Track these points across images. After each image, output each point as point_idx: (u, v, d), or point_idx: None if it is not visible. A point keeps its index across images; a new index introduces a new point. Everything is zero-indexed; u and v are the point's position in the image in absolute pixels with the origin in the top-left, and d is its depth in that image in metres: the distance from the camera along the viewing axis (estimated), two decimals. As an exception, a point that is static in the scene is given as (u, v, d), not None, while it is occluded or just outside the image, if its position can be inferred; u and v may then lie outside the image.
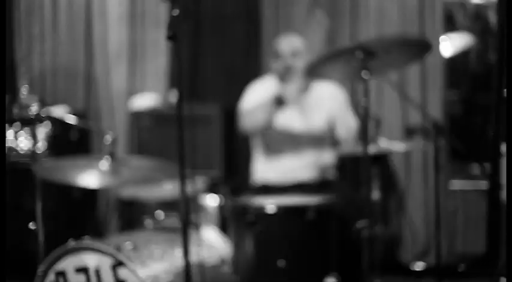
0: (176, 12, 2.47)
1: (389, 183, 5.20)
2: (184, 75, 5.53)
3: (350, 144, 4.13)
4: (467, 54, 7.16)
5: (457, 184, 5.35)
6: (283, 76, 4.11)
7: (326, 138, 4.24)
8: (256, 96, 4.27)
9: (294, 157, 4.22)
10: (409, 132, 5.14)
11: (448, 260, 5.06)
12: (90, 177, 3.24)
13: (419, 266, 5.21)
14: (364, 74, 3.12)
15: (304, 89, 4.24)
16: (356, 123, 4.18)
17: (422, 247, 5.22)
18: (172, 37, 2.45)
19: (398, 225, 5.26)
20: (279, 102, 3.99)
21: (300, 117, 4.24)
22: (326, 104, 4.25)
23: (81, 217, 5.56)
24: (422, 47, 3.59)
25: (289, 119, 4.21)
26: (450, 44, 6.34)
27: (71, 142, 5.42)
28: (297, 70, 4.09)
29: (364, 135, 3.14)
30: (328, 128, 4.22)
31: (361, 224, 3.04)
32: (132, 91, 5.69)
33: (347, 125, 4.17)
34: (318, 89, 4.30)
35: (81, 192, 5.38)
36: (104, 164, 3.24)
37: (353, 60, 3.15)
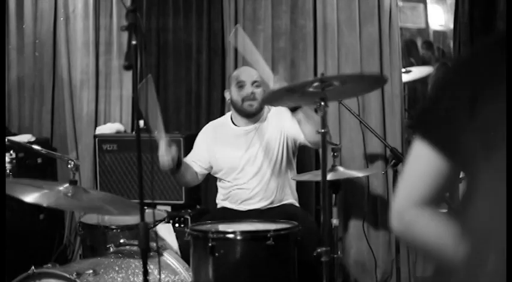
0: (134, 41, 2.50)
1: (349, 209, 5.27)
2: (144, 105, 5.62)
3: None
4: (426, 82, 7.29)
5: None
6: (245, 103, 4.33)
7: (284, 164, 4.34)
8: (194, 158, 4.52)
9: (252, 184, 4.32)
10: (369, 159, 5.21)
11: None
12: (49, 198, 3.26)
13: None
14: (321, 104, 3.18)
15: (260, 116, 4.44)
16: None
17: (383, 272, 5.28)
18: (128, 67, 2.48)
19: (360, 250, 5.32)
20: (178, 165, 4.16)
21: (251, 147, 4.40)
22: (274, 123, 4.38)
23: (48, 240, 5.58)
24: (378, 81, 3.68)
25: (237, 155, 4.40)
26: (410, 75, 6.46)
27: (37, 166, 5.46)
28: (259, 100, 4.34)
29: (323, 162, 3.20)
30: (283, 144, 4.33)
31: (321, 250, 3.08)
32: (97, 117, 5.75)
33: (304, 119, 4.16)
34: (269, 110, 4.48)
35: (47, 216, 5.41)
36: (66, 188, 3.27)
37: (309, 92, 3.21)
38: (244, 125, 4.42)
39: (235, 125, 4.46)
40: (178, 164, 4.13)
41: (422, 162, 1.64)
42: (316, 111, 3.19)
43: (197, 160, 4.48)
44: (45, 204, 3.21)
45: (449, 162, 1.61)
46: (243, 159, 4.35)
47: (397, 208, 1.67)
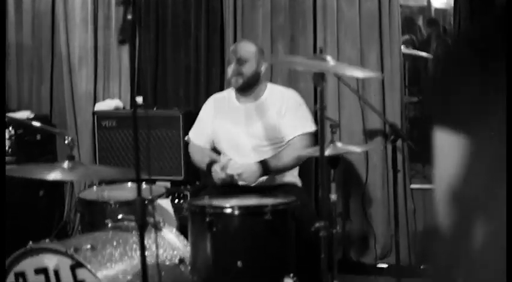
0: (130, 16, 2.48)
1: (349, 185, 5.28)
2: (145, 80, 5.63)
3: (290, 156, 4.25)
4: (425, 59, 7.28)
5: (417, 183, 5.43)
6: (232, 79, 4.36)
7: (283, 142, 4.34)
8: (199, 132, 4.58)
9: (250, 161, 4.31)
10: (369, 135, 5.21)
11: (408, 259, 5.13)
12: (50, 173, 3.28)
13: (379, 265, 5.28)
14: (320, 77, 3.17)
15: (259, 93, 4.40)
16: (303, 133, 4.30)
17: (382, 247, 5.29)
18: (122, 41, 2.47)
19: (359, 225, 5.33)
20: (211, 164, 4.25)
21: (251, 124, 4.38)
22: (277, 104, 4.36)
23: (48, 216, 5.60)
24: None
25: (237, 130, 4.40)
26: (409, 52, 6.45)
27: (36, 143, 5.46)
28: (245, 76, 4.31)
29: (321, 137, 3.19)
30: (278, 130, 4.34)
31: (319, 224, 3.07)
32: (95, 93, 5.74)
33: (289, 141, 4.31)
34: (271, 92, 4.43)
35: (47, 192, 5.42)
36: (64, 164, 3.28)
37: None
38: (245, 101, 4.41)
39: (237, 100, 4.45)
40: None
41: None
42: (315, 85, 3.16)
43: (202, 135, 4.51)
44: (45, 177, 3.22)
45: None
46: (242, 134, 4.34)
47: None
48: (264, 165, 4.14)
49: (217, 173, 4.17)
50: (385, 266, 5.26)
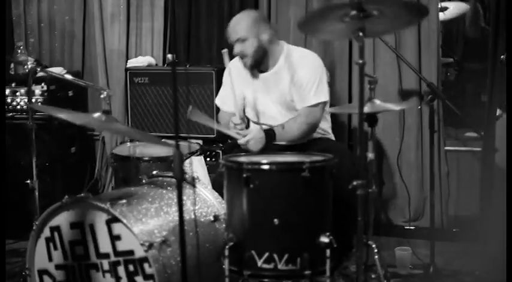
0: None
1: (384, 144, 5.22)
2: (178, 37, 5.58)
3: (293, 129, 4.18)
4: (461, 20, 7.14)
5: (450, 146, 5.36)
6: (242, 61, 4.30)
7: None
8: (224, 98, 4.52)
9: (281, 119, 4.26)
10: (404, 95, 5.14)
11: (441, 222, 5.08)
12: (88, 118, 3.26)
13: (411, 227, 5.23)
14: (359, 33, 3.09)
15: (275, 60, 4.31)
16: (315, 105, 4.22)
17: (415, 209, 5.24)
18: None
19: (392, 186, 5.28)
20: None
21: (270, 93, 4.32)
22: (291, 72, 4.27)
23: (79, 173, 5.61)
24: (419, 12, 3.56)
25: (258, 97, 4.36)
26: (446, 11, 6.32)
27: (68, 99, 5.45)
28: (249, 55, 4.23)
29: (360, 94, 3.11)
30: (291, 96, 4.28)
31: (357, 183, 3.02)
32: (128, 50, 5.71)
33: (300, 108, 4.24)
34: (288, 56, 4.33)
35: (78, 149, 5.41)
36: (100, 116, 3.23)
37: (347, 19, 3.11)
38: (262, 69, 4.33)
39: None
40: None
41: None
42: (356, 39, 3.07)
43: (228, 100, 4.44)
44: (77, 122, 3.21)
45: None
46: (263, 102, 4.29)
47: None
48: (271, 133, 4.10)
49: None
50: (417, 227, 5.20)
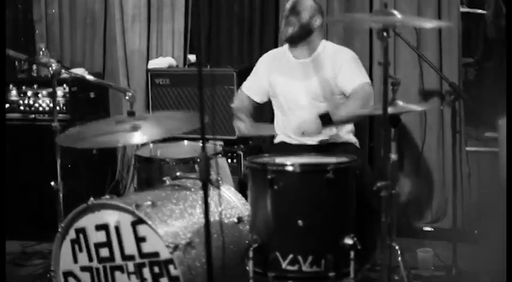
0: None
1: (405, 145, 5.20)
2: (198, 37, 5.60)
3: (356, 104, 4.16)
4: (481, 20, 7.12)
5: (471, 146, 5.34)
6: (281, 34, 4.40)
7: (337, 96, 4.28)
8: (253, 84, 4.56)
9: (308, 116, 4.25)
10: (425, 95, 5.13)
11: (463, 223, 5.06)
12: (113, 137, 3.25)
13: (433, 229, 5.22)
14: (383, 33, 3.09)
15: (313, 49, 4.36)
16: (363, 83, 4.23)
17: (436, 210, 5.22)
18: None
19: (414, 187, 5.26)
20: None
21: (307, 79, 4.31)
22: (330, 60, 4.30)
23: (101, 175, 5.62)
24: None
25: (294, 85, 4.35)
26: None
27: (89, 100, 5.47)
28: (296, 26, 4.30)
29: (384, 95, 3.11)
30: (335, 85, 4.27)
31: (381, 184, 3.01)
32: (148, 51, 5.72)
33: (352, 80, 4.23)
34: (325, 48, 4.38)
35: (100, 151, 5.43)
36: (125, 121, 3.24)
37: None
38: (300, 57, 4.35)
39: (293, 56, 4.39)
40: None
41: None
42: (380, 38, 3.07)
43: (257, 87, 4.49)
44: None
45: None
46: (300, 89, 4.29)
47: None
48: (326, 116, 4.12)
49: (239, 128, 4.36)
50: (439, 229, 5.18)
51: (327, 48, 4.38)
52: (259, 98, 4.51)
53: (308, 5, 4.33)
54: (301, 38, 4.33)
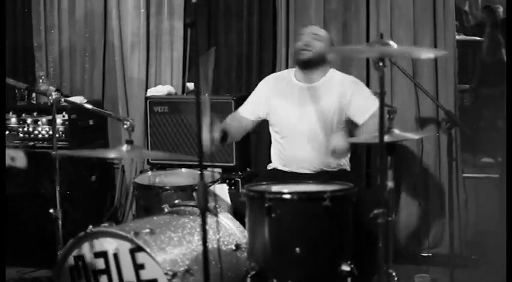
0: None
1: (402, 172, 5.23)
2: (197, 66, 5.63)
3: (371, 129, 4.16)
4: (478, 47, 7.19)
5: (468, 173, 5.36)
6: (299, 53, 4.34)
7: (337, 124, 4.30)
8: (249, 102, 4.55)
9: (305, 144, 4.27)
10: (421, 123, 5.16)
11: (460, 249, 5.07)
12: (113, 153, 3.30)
13: (430, 255, 5.22)
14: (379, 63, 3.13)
15: (315, 78, 4.38)
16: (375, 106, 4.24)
17: (433, 236, 5.24)
18: (191, 24, 2.45)
19: (410, 214, 5.28)
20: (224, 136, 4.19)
21: (311, 103, 4.33)
22: (337, 89, 4.32)
23: (99, 202, 5.64)
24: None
25: (293, 111, 4.34)
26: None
27: (88, 128, 5.50)
28: (314, 51, 4.31)
29: (381, 123, 3.14)
30: (338, 113, 4.28)
31: (377, 211, 3.04)
32: (147, 79, 5.76)
33: (367, 108, 4.21)
34: (332, 76, 4.40)
35: (98, 178, 5.45)
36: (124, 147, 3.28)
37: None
38: (303, 82, 4.37)
39: (296, 79, 4.42)
40: (223, 138, 4.16)
41: None
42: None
43: (255, 107, 4.47)
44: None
45: None
46: (296, 115, 4.30)
47: None
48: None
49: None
50: (436, 255, 5.19)
51: (334, 77, 4.40)
52: (249, 114, 4.46)
53: (325, 35, 4.42)
54: (315, 65, 4.34)
